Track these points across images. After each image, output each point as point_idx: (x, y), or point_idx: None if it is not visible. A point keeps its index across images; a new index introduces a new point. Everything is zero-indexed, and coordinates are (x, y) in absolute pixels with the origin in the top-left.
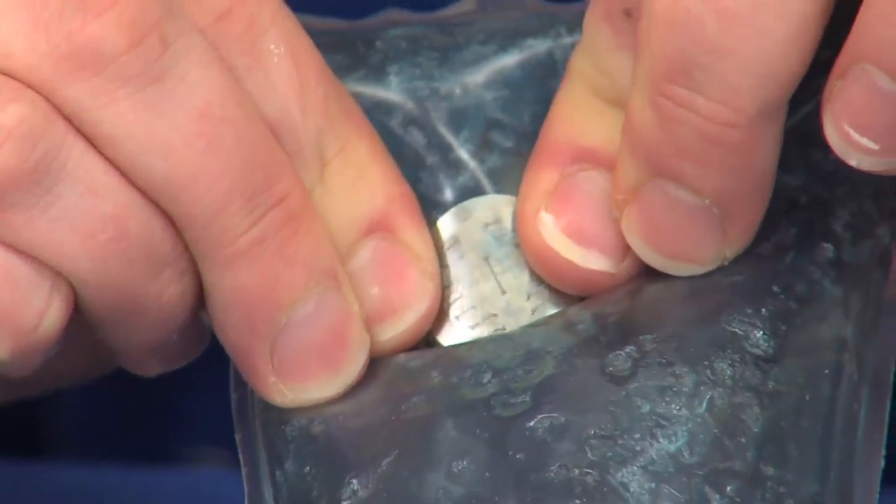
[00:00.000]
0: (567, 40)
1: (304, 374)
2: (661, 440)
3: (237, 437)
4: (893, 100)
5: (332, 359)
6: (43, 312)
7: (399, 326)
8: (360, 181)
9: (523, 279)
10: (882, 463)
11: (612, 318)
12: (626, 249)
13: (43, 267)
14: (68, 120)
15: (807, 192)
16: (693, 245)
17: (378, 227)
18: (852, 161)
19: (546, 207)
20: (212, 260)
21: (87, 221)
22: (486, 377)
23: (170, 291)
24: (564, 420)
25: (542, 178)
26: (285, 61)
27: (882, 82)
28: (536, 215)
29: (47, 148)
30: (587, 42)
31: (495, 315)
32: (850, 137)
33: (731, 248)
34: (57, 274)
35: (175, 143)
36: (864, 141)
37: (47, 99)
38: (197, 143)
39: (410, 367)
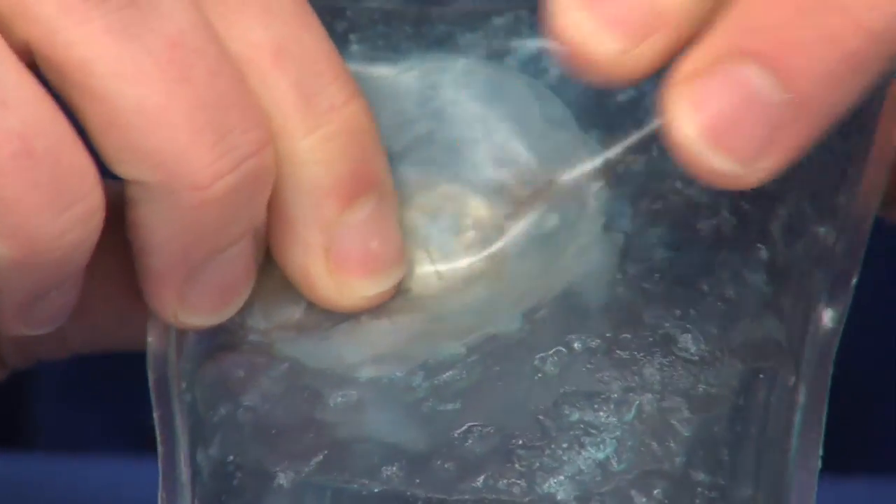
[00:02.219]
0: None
1: (202, 308)
2: (588, 449)
3: (155, 415)
4: (771, 105)
5: (228, 299)
6: None
7: (385, 283)
8: (358, 138)
9: (460, 269)
10: (819, 464)
11: (540, 315)
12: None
13: None
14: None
15: None
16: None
17: (379, 185)
18: (703, 177)
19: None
20: (177, 201)
21: None
22: (417, 380)
23: (73, 235)
24: (492, 430)
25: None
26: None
27: (760, 81)
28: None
29: None
30: None
31: (430, 297)
32: (704, 149)
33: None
34: None
35: (147, 69)
36: (720, 160)
37: (21, 17)
38: (170, 70)
39: (344, 359)
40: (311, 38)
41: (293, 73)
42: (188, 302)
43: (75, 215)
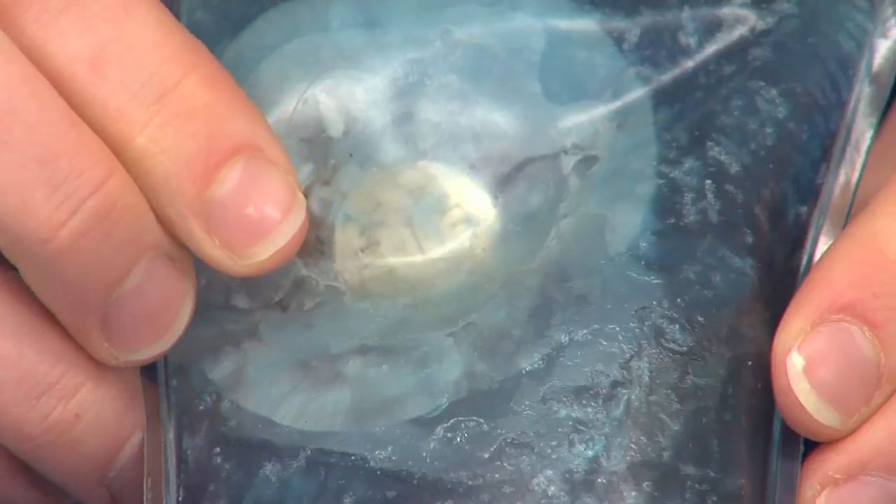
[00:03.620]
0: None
1: (135, 341)
2: (578, 446)
3: (143, 399)
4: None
5: (161, 323)
6: None
7: (279, 242)
8: (199, 112)
9: (444, 246)
10: (802, 448)
11: (522, 303)
12: (857, 409)
13: None
14: None
15: (739, 162)
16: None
17: (241, 149)
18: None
19: (799, 348)
20: (35, 257)
21: None
22: (404, 373)
23: (56, 413)
24: (480, 425)
25: (801, 316)
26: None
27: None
28: (788, 352)
29: None
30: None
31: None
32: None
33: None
34: None
35: None
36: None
37: None
38: None
39: (330, 349)
40: (135, 28)
41: (115, 75)
42: (119, 341)
43: (53, 397)
